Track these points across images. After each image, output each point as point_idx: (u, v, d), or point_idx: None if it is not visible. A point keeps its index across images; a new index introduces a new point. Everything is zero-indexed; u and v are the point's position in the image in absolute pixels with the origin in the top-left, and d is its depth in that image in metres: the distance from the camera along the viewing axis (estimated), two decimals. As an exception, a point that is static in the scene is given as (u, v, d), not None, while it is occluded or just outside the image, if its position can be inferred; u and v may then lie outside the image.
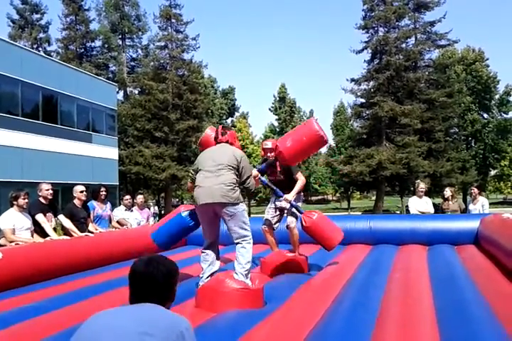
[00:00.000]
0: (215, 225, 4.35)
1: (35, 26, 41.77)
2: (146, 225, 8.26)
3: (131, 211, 8.35)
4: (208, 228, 4.38)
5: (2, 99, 19.95)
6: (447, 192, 8.56)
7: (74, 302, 3.96)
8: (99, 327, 1.77)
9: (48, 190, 6.26)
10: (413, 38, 36.00)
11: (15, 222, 5.60)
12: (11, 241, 5.41)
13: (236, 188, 4.19)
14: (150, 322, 1.75)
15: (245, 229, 4.21)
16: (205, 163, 4.30)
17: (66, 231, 6.43)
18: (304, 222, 5.26)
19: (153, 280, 1.91)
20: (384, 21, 34.91)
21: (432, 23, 35.76)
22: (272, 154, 5.38)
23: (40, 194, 6.22)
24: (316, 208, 51.48)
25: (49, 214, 6.24)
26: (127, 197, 8.52)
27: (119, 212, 8.26)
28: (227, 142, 4.42)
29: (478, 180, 36.44)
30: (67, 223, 6.37)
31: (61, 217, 6.41)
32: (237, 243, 4.22)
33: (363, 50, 36.05)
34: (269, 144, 5.45)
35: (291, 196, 5.37)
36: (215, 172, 4.16)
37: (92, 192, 7.66)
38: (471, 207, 8.66)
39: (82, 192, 6.78)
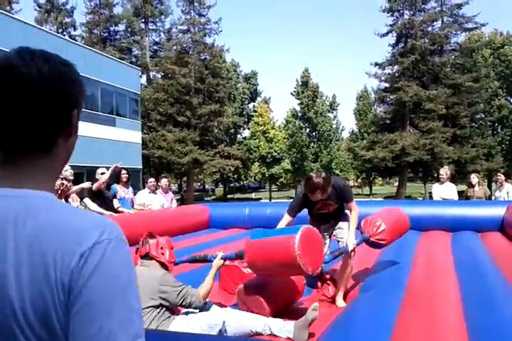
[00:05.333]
0: None
1: (61, 11, 42.03)
2: (169, 208, 8.38)
3: (155, 194, 8.47)
4: None
5: (28, 83, 20.21)
6: (474, 178, 8.41)
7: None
8: None
9: (66, 170, 6.19)
10: (439, 21, 35.17)
11: None
12: None
13: None
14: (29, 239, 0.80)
15: None
16: None
17: None
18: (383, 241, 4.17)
19: (34, 83, 0.87)
20: (410, 4, 34.19)
21: (459, 6, 34.86)
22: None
23: (60, 176, 6.30)
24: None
25: (74, 195, 6.34)
26: (151, 179, 8.63)
27: (144, 195, 8.38)
28: (146, 255, 3.26)
29: (503, 166, 35.82)
30: (93, 206, 6.47)
31: (86, 200, 6.52)
32: None
33: (387, 33, 35.40)
34: None
35: (352, 240, 3.94)
36: None
37: (115, 175, 7.74)
38: (497, 193, 8.54)
39: (103, 174, 6.89)
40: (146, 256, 3.19)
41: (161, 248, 3.23)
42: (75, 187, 5.70)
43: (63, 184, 5.45)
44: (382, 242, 4.10)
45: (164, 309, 2.97)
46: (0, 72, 0.88)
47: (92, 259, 0.79)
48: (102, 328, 0.77)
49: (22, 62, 0.89)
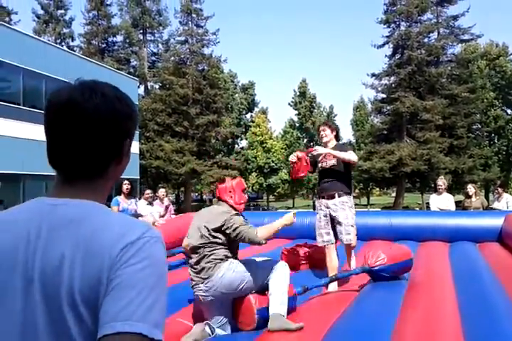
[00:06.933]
0: None
1: (59, 21, 42.26)
2: (170, 219, 8.37)
3: (152, 205, 8.45)
4: None
5: (27, 93, 20.23)
6: (471, 189, 8.40)
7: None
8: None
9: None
10: (435, 33, 35.52)
11: None
12: None
13: None
14: (74, 241, 0.91)
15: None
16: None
17: None
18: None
19: (92, 119, 0.97)
20: (406, 15, 34.50)
21: (455, 17, 35.24)
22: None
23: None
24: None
25: None
26: (148, 191, 8.62)
27: (141, 207, 8.37)
28: (219, 199, 3.67)
29: (500, 177, 35.91)
30: None
31: None
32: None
33: (384, 44, 35.72)
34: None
35: (325, 150, 4.55)
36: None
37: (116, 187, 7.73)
38: (495, 204, 8.52)
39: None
40: (220, 199, 3.55)
41: (230, 191, 3.53)
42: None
43: None
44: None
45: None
46: (63, 106, 0.98)
47: (132, 248, 0.90)
48: (130, 304, 0.84)
49: (82, 98, 0.99)
